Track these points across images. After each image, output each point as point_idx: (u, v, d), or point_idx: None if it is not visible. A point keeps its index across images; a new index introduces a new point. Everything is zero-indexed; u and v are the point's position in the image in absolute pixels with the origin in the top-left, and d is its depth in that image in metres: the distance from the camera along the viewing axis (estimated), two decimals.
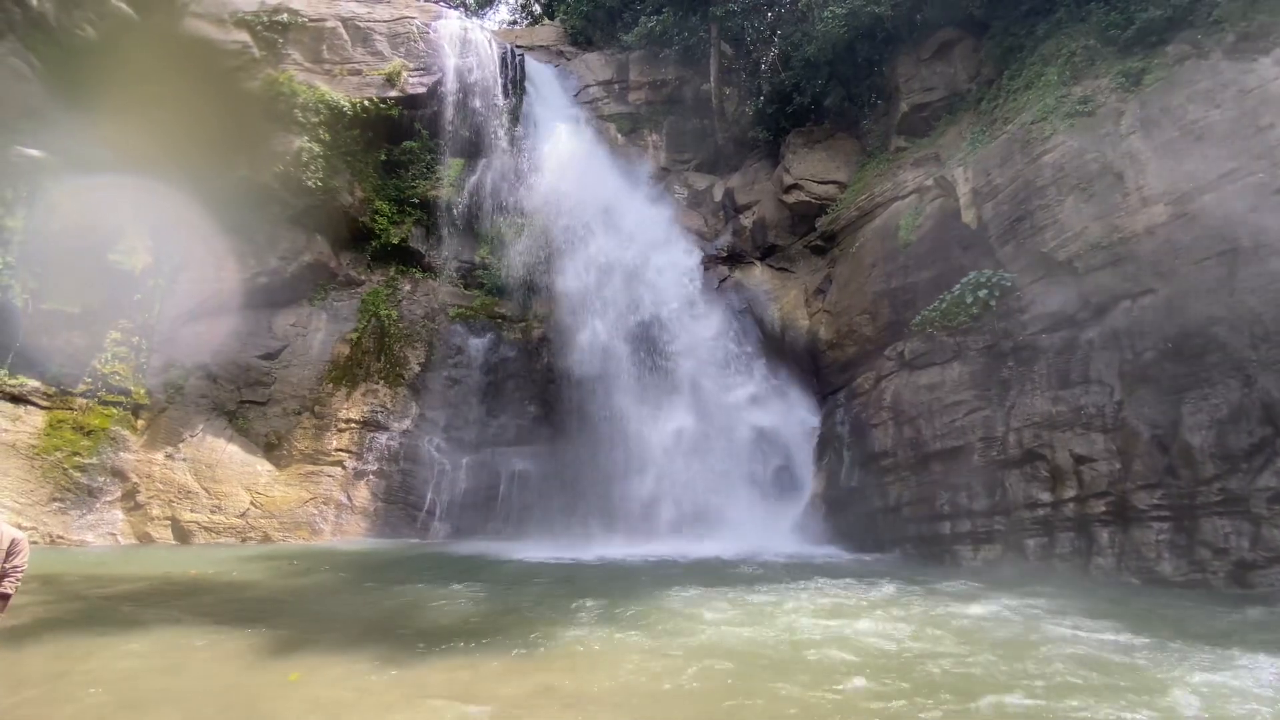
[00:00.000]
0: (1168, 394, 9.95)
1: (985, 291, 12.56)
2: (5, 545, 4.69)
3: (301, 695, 5.18)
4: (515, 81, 19.29)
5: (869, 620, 7.30)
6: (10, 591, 4.74)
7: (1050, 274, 11.95)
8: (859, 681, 5.42)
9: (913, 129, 16.65)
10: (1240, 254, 9.75)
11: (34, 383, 12.99)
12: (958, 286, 12.99)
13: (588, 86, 22.16)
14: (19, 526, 12.17)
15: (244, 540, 13.71)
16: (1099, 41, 12.72)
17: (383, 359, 16.14)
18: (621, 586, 9.21)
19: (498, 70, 18.69)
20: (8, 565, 4.68)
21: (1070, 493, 10.66)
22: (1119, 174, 11.22)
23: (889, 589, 9.05)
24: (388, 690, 5.27)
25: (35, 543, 12.27)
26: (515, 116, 19.10)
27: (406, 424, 15.77)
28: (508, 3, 30.75)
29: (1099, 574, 9.94)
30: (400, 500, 15.17)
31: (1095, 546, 10.21)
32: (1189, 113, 10.68)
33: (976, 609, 7.85)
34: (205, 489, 13.93)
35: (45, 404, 13.05)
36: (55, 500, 12.73)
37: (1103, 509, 10.26)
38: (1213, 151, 10.30)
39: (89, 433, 13.25)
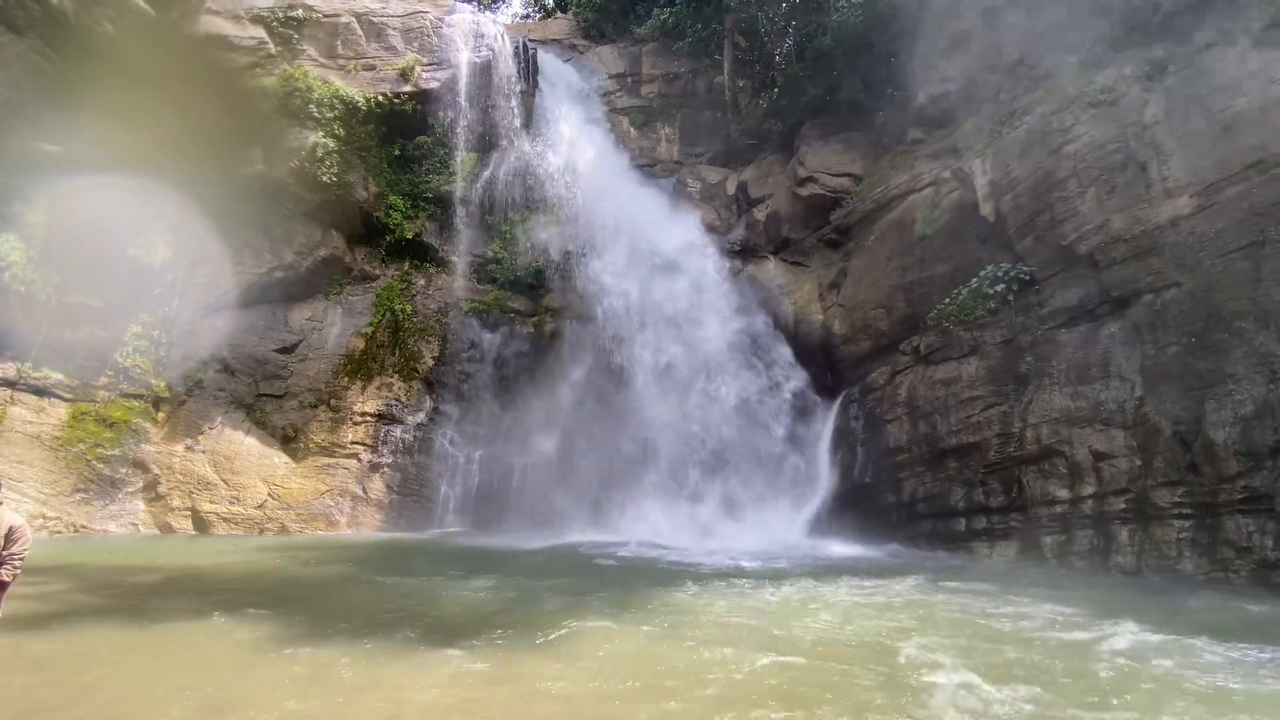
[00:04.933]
0: (1190, 390, 9.77)
1: (1003, 285, 12.39)
2: (4, 532, 4.60)
3: (313, 688, 5.23)
4: (528, 75, 19.26)
5: (892, 619, 7.24)
6: (8, 579, 4.62)
7: (1070, 267, 11.76)
8: (862, 678, 5.39)
9: (930, 120, 16.41)
10: (1267, 246, 9.53)
11: (57, 375, 13.24)
12: (975, 280, 12.82)
13: (600, 80, 22.08)
14: (43, 516, 12.43)
15: (262, 531, 13.90)
16: (1122, 29, 12.45)
17: (397, 353, 16.25)
18: (634, 581, 9.23)
19: (511, 64, 18.67)
20: (6, 553, 4.58)
21: (1089, 490, 10.51)
22: (1142, 165, 11.00)
23: (906, 586, 8.98)
24: (395, 679, 5.31)
25: (59, 533, 12.53)
26: (528, 110, 19.08)
27: (420, 417, 15.89)
28: None
29: (1117, 572, 9.80)
30: (414, 493, 15.30)
31: (1114, 544, 10.06)
32: (1215, 102, 10.44)
33: (1008, 611, 7.77)
34: (224, 480, 14.13)
35: (68, 396, 13.29)
36: (79, 490, 12.98)
37: (1122, 506, 10.12)
38: (1239, 141, 10.07)
39: (111, 425, 13.49)
